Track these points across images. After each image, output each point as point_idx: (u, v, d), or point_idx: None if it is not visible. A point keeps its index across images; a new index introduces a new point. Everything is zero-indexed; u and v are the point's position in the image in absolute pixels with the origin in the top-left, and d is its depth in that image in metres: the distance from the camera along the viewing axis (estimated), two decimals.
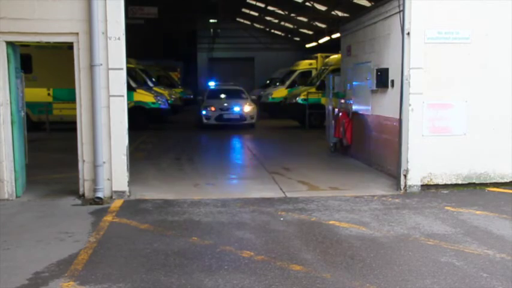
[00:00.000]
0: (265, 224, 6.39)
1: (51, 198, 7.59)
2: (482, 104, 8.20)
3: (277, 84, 24.38)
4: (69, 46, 7.59)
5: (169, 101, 18.94)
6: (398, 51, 8.22)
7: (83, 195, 7.56)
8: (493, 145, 8.23)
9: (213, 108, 18.06)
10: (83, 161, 7.52)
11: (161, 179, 9.13)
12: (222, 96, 19.33)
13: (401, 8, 8.08)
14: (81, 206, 7.26)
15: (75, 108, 7.56)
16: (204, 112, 18.11)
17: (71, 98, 7.97)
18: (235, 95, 19.30)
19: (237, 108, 18.18)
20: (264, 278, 4.70)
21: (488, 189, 8.19)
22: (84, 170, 7.53)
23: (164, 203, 7.41)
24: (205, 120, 18.03)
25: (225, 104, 18.39)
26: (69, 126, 9.83)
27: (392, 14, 8.65)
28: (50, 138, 14.50)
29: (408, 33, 7.94)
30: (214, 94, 19.55)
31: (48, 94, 16.12)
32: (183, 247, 5.54)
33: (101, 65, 7.29)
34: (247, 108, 18.32)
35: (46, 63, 15.31)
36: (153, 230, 6.18)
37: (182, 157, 11.66)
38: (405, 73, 8.00)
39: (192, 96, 29.25)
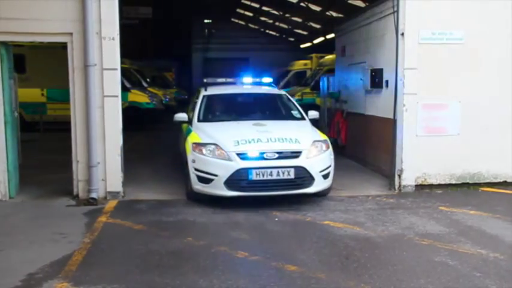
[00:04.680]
0: (260, 224, 6.38)
1: (45, 199, 7.56)
2: (475, 104, 8.23)
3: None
4: (63, 46, 7.57)
5: (163, 101, 18.86)
6: (392, 51, 8.24)
7: (77, 195, 7.53)
8: (486, 145, 8.26)
9: (219, 152, 6.90)
10: (77, 161, 7.49)
11: (156, 179, 9.10)
12: (241, 114, 8.24)
13: (395, 9, 8.10)
14: (75, 206, 7.23)
15: (69, 109, 7.53)
16: (192, 162, 7.09)
17: (65, 98, 7.94)
18: (269, 112, 8.54)
19: (289, 151, 6.91)
20: (259, 278, 4.70)
21: (482, 189, 8.21)
22: (78, 170, 7.50)
23: (159, 203, 7.39)
24: (197, 186, 7.05)
25: (258, 141, 6.96)
26: (63, 127, 9.78)
27: (387, 15, 8.67)
28: (44, 139, 14.43)
29: (402, 34, 7.96)
30: (217, 108, 8.57)
31: (42, 94, 16.03)
32: (177, 247, 5.53)
33: (95, 65, 7.27)
34: (313, 151, 7.04)
35: (40, 63, 15.23)
36: (147, 230, 6.17)
37: (177, 157, 11.62)
38: (399, 73, 8.03)
39: (186, 97, 29.21)
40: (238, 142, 6.88)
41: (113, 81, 7.40)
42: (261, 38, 34.85)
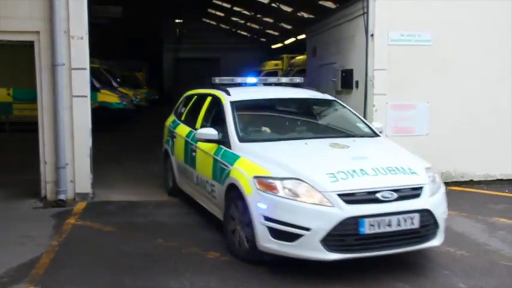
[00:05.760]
0: None
1: (11, 201, 7.38)
2: (443, 105, 8.39)
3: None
4: (30, 45, 7.41)
5: (134, 101, 18.68)
6: (362, 52, 8.33)
7: (45, 197, 7.38)
8: (454, 145, 8.43)
9: (308, 192, 4.60)
10: (45, 162, 7.35)
11: (126, 180, 9.00)
12: (296, 130, 6.20)
13: (365, 10, 8.21)
14: (42, 208, 7.09)
15: (36, 109, 7.39)
16: (259, 207, 4.73)
17: (32, 98, 7.78)
18: (331, 125, 6.67)
19: (408, 188, 4.78)
20: (231, 278, 4.69)
21: (450, 188, 8.32)
22: (46, 171, 7.36)
23: (129, 204, 7.31)
24: (269, 244, 4.70)
25: (363, 173, 4.75)
26: (30, 127, 9.59)
27: (357, 16, 8.77)
28: (10, 139, 14.12)
29: (372, 35, 8.07)
30: (259, 121, 6.32)
31: (8, 94, 15.69)
32: (148, 249, 5.47)
33: (63, 64, 7.14)
34: (431, 185, 4.96)
35: (5, 62, 14.88)
36: (117, 232, 6.09)
37: (147, 158, 11.52)
38: (369, 74, 8.14)
39: (157, 97, 29.04)
40: (334, 176, 4.65)
41: (81, 81, 7.28)
42: (233, 38, 34.83)
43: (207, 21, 34.46)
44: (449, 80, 8.38)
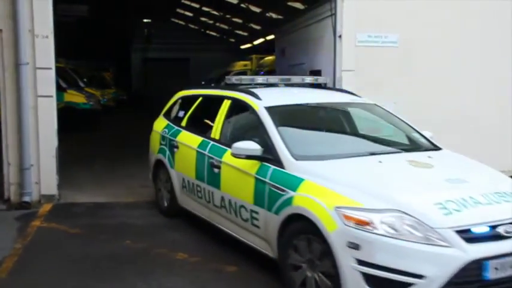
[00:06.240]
0: (201, 225, 6.34)
1: None
2: (410, 105, 8.47)
3: (213, 85, 24.32)
4: None
5: (101, 101, 18.43)
6: (330, 53, 8.41)
7: (9, 199, 7.21)
8: None
9: (414, 228, 3.62)
10: (8, 164, 7.18)
11: (93, 181, 8.86)
12: (354, 143, 5.42)
13: (333, 12, 8.29)
14: (6, 211, 6.92)
15: None
16: (350, 247, 3.69)
17: None
18: (387, 137, 5.62)
19: None
20: (198, 279, 4.68)
21: None
22: (10, 173, 7.19)
23: (96, 206, 7.21)
24: None
25: (474, 201, 3.85)
26: None
27: (325, 17, 8.85)
28: None
29: (340, 36, 8.15)
30: (307, 133, 5.37)
31: None
32: (115, 251, 5.40)
33: (28, 64, 6.98)
34: None
35: None
36: (84, 234, 5.99)
37: (115, 159, 11.39)
38: (337, 75, 8.21)
39: (125, 97, 28.74)
40: (444, 207, 3.77)
41: (47, 80, 7.14)
42: (202, 38, 34.71)
43: (176, 21, 34.24)
44: (415, 81, 8.52)
